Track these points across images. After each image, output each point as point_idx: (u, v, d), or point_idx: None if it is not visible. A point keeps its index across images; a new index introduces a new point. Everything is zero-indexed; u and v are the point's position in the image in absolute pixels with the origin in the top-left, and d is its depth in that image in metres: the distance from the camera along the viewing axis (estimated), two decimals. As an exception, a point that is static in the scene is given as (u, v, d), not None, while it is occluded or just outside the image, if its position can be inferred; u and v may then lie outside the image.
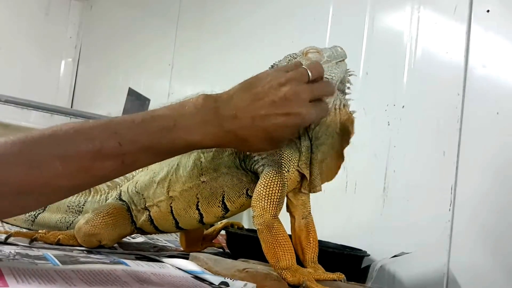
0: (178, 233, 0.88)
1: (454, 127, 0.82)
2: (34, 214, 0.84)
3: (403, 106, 0.92)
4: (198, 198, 0.71)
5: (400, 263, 0.83)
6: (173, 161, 0.75)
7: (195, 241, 0.86)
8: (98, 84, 2.26)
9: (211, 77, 1.50)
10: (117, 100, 1.95)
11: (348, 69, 0.65)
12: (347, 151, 0.67)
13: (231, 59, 1.44)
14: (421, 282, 0.82)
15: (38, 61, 2.38)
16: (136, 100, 1.90)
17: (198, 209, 0.72)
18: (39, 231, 0.73)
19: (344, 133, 0.66)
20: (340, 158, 0.68)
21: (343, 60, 0.65)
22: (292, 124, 0.56)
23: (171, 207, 0.73)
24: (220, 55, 1.49)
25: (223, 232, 0.92)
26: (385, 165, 0.92)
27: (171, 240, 0.94)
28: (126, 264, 0.62)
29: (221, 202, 0.71)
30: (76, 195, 0.83)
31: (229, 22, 1.49)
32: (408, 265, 0.83)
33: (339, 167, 0.69)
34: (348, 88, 0.66)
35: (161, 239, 0.92)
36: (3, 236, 0.69)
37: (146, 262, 0.66)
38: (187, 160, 0.73)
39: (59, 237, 0.70)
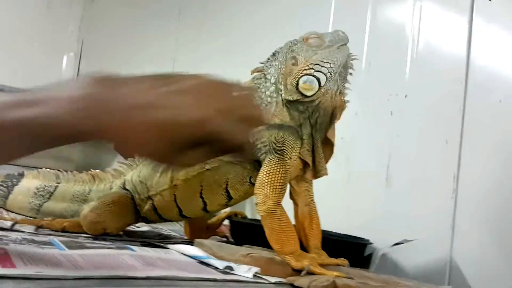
0: (183, 223, 0.89)
1: (456, 116, 0.82)
2: (39, 203, 0.84)
3: (406, 96, 0.92)
4: (201, 186, 0.72)
5: (403, 251, 0.84)
6: None
7: (199, 230, 0.87)
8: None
9: (214, 73, 1.51)
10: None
11: (350, 53, 0.65)
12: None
13: (232, 57, 1.44)
14: (424, 270, 0.82)
15: (40, 55, 2.38)
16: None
17: (202, 197, 0.73)
18: (45, 218, 0.74)
19: (332, 118, 0.67)
20: (331, 144, 0.69)
21: (345, 44, 0.65)
22: (188, 123, 0.42)
23: (174, 195, 0.74)
24: (221, 52, 1.50)
25: (227, 222, 0.92)
26: (388, 154, 0.92)
27: (176, 229, 0.95)
28: (132, 250, 0.63)
29: (224, 190, 0.71)
30: (80, 184, 0.84)
31: (230, 20, 1.49)
32: (411, 254, 0.84)
33: (332, 152, 0.70)
34: (350, 74, 0.66)
35: (166, 228, 0.93)
36: (9, 223, 0.69)
37: (151, 248, 0.67)
38: None
39: (64, 224, 0.71)
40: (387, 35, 0.99)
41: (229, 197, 0.72)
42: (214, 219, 0.91)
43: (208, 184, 0.72)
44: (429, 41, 0.91)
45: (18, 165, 1.66)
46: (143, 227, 0.88)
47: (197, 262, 0.62)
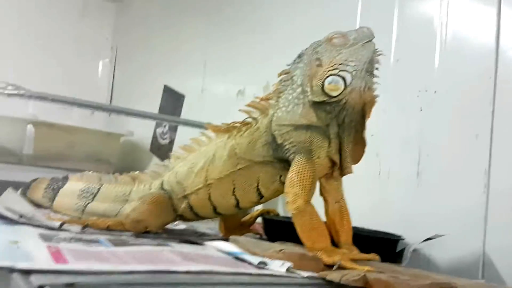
0: (217, 221, 0.92)
1: (486, 110, 0.82)
2: (84, 204, 0.89)
3: (435, 91, 0.92)
4: (234, 185, 0.75)
5: (435, 246, 0.84)
6: (209, 152, 0.79)
7: (233, 227, 0.90)
8: (135, 82, 2.33)
9: (243, 74, 1.54)
10: (154, 98, 2.02)
11: (376, 49, 0.66)
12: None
13: (264, 57, 1.47)
14: (457, 264, 0.83)
15: (76, 62, 2.47)
16: (171, 96, 1.96)
17: (235, 195, 0.76)
18: (90, 218, 0.79)
19: (363, 115, 0.68)
20: (363, 141, 0.70)
21: (370, 40, 0.66)
22: None
23: (209, 194, 0.77)
24: (252, 52, 1.52)
25: (259, 220, 0.95)
26: (418, 150, 0.93)
27: (211, 227, 0.98)
28: (172, 246, 0.67)
29: (256, 188, 0.74)
30: (121, 185, 0.89)
31: (260, 19, 1.52)
32: (443, 248, 0.84)
33: (363, 151, 0.71)
34: (377, 69, 0.67)
35: (202, 227, 0.97)
36: (58, 223, 0.75)
37: (189, 245, 0.71)
38: (222, 151, 0.77)
39: (108, 223, 0.76)
40: (415, 30, 1.00)
41: (260, 195, 0.75)
42: (247, 217, 0.94)
43: (240, 183, 0.75)
44: (457, 35, 0.91)
45: (60, 169, 1.76)
46: (180, 225, 0.92)
47: (233, 258, 0.65)
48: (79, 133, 1.88)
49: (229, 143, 0.77)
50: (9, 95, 1.01)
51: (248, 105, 0.77)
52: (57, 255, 0.53)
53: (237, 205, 0.77)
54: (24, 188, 0.99)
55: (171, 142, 1.91)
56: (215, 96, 1.70)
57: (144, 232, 0.77)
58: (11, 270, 0.46)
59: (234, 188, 0.76)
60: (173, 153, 0.87)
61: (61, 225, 0.74)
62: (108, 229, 0.75)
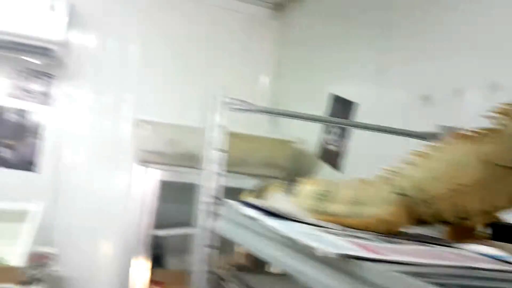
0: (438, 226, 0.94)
1: None
2: (323, 206, 0.99)
3: None
4: (483, 190, 0.77)
5: None
6: (451, 158, 0.82)
7: (463, 233, 0.91)
8: (299, 95, 2.46)
9: (426, 79, 1.54)
10: (319, 108, 2.12)
11: None
12: None
13: (449, 59, 1.45)
14: None
15: (241, 77, 2.71)
16: (341, 105, 2.04)
17: (482, 201, 0.77)
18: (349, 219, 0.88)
19: None
20: None
21: None
22: None
23: (454, 199, 0.80)
24: (436, 57, 1.51)
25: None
26: None
27: (432, 233, 1.01)
28: (430, 246, 0.71)
29: (507, 194, 0.76)
30: (353, 189, 0.97)
31: (442, 20, 1.51)
32: None
33: None
34: None
35: (424, 231, 1.00)
36: (321, 222, 0.85)
37: (441, 246, 0.75)
38: (467, 158, 0.79)
39: (365, 223, 0.84)
40: None
41: None
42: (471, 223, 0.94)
43: (490, 189, 0.77)
44: None
45: (242, 174, 1.93)
46: (415, 229, 0.96)
47: (500, 260, 0.67)
48: (257, 141, 2.07)
49: (476, 149, 0.78)
50: (242, 110, 1.16)
51: (497, 112, 0.78)
52: (366, 248, 0.60)
53: (484, 211, 0.79)
54: (258, 191, 1.13)
55: (341, 149, 1.98)
56: (392, 101, 1.72)
57: (390, 233, 0.83)
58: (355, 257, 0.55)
59: (482, 194, 0.77)
60: (404, 159, 0.91)
61: (325, 225, 0.83)
62: (362, 229, 0.83)
